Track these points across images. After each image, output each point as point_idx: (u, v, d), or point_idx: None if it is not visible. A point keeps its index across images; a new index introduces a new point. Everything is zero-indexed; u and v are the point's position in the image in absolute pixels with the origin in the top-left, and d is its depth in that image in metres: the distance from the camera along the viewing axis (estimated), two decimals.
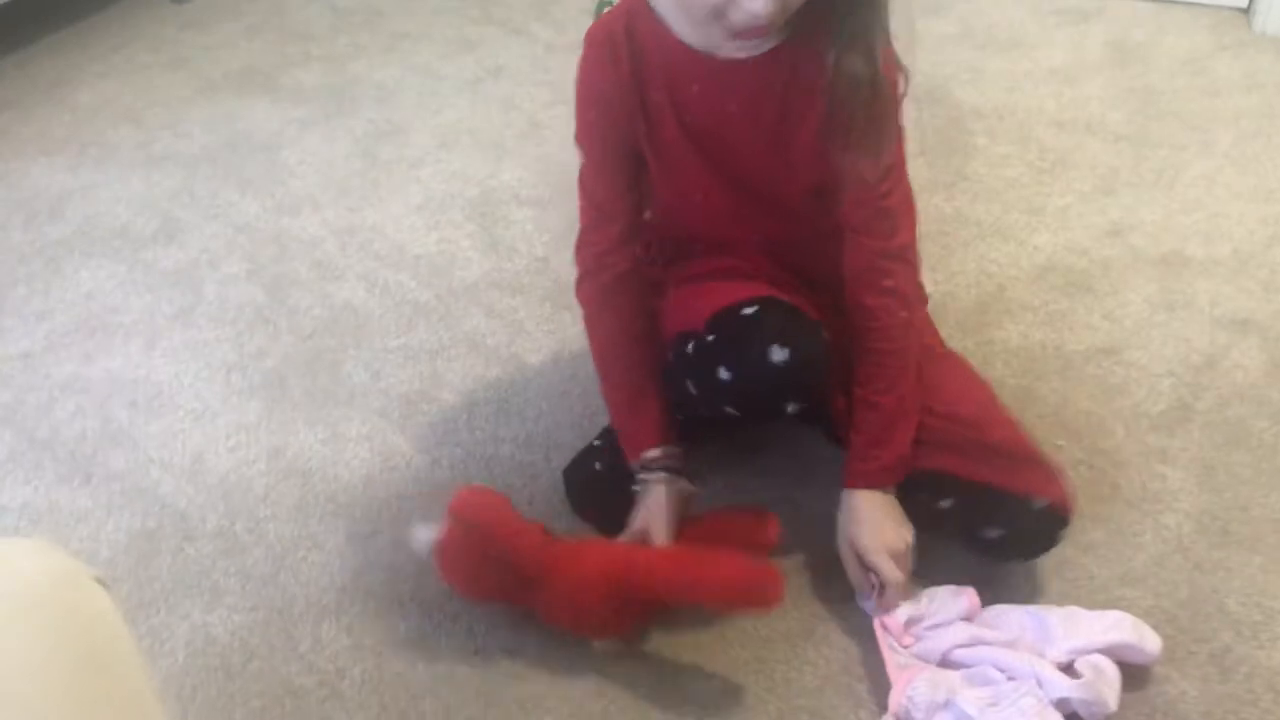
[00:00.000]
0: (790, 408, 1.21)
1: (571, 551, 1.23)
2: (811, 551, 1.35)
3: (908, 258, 1.26)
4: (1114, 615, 1.22)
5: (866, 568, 1.23)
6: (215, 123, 2.29)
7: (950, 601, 1.24)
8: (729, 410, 1.23)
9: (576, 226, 1.33)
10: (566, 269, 1.82)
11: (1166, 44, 2.43)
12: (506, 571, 1.21)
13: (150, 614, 1.32)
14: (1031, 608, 1.24)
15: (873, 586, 1.23)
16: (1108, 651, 1.18)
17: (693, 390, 1.24)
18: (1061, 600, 1.29)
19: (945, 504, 1.26)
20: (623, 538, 1.27)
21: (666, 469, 1.28)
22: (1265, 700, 1.19)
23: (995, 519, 1.24)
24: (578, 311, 1.71)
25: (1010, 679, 1.15)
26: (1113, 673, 1.17)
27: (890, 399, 1.25)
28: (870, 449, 1.25)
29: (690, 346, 1.24)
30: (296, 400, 1.61)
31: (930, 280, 1.63)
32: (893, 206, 1.22)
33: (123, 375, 1.66)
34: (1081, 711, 1.14)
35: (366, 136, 2.23)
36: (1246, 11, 2.52)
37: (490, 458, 1.51)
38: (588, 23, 2.61)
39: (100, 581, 0.74)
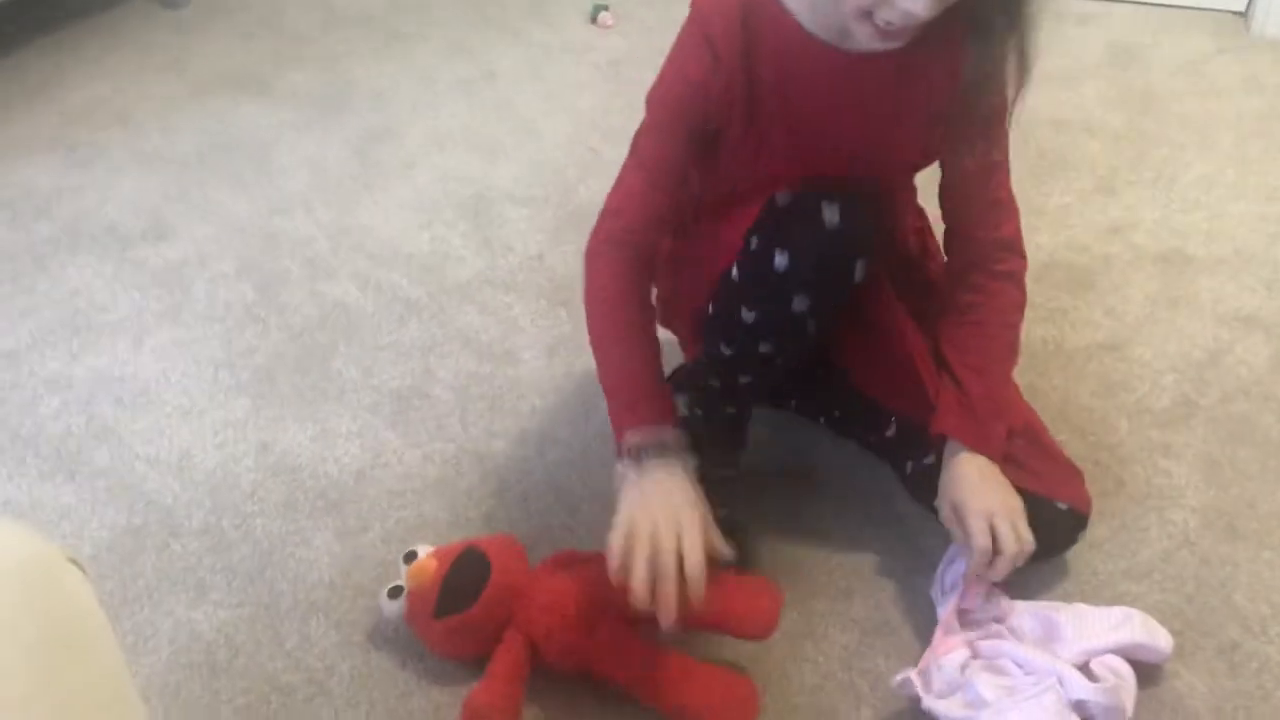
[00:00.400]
0: (859, 268, 1.14)
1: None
2: (812, 546, 1.32)
3: (1019, 248, 1.28)
4: (1120, 612, 1.19)
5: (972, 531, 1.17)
6: (207, 124, 2.27)
7: (987, 604, 1.21)
8: (797, 306, 1.15)
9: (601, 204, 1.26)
10: (561, 267, 1.81)
11: (1166, 47, 2.42)
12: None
13: (134, 610, 1.29)
14: (1036, 607, 1.21)
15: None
16: (1121, 651, 1.16)
17: (750, 314, 1.18)
18: (1068, 596, 1.26)
19: None
20: (614, 543, 1.10)
21: (675, 451, 1.15)
22: (1277, 696, 1.17)
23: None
24: (572, 308, 1.71)
25: (1028, 674, 1.12)
26: (1130, 677, 1.14)
27: (1004, 368, 1.28)
28: (990, 418, 1.22)
29: (736, 270, 1.18)
30: (286, 397, 1.58)
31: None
32: (1004, 199, 1.26)
33: (109, 372, 1.63)
34: (1099, 715, 1.10)
35: (360, 138, 2.21)
36: (1245, 15, 2.51)
37: (483, 454, 1.48)
38: (583, 25, 2.61)
39: (74, 562, 0.71)
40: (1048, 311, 1.68)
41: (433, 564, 1.19)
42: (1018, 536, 1.14)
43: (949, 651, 1.14)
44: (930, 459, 1.26)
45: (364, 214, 1.97)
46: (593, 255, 1.23)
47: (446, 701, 1.18)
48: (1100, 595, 1.27)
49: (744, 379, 1.27)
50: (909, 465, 1.33)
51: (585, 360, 1.53)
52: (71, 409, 1.57)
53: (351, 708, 1.18)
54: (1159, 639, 1.17)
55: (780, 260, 1.12)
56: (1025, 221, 1.28)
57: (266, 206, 2.00)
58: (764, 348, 1.21)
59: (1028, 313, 1.65)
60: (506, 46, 2.55)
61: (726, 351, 1.24)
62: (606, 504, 1.37)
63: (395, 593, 1.20)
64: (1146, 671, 1.18)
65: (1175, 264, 1.77)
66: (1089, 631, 1.17)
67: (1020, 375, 1.54)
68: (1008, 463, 1.23)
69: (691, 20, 1.16)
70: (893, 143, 1.21)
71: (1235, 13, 2.52)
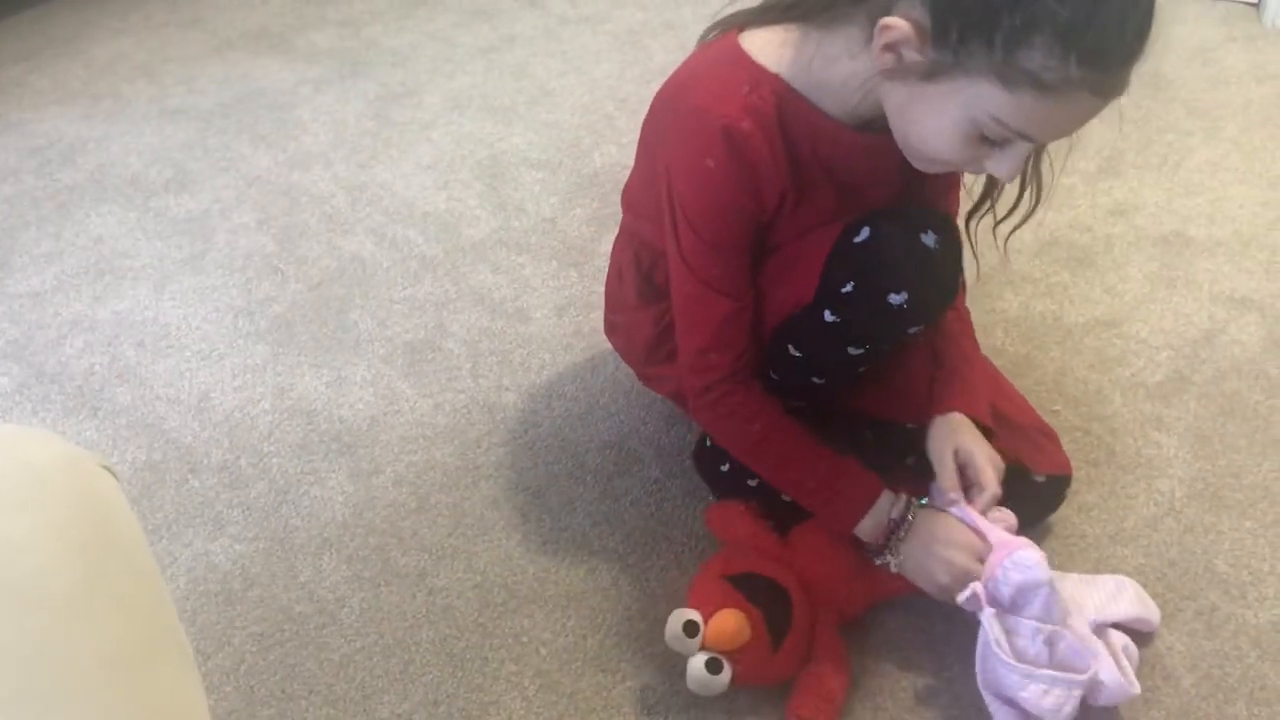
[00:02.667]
0: (962, 279, 1.19)
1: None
2: None
3: None
4: (1114, 582, 1.22)
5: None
6: (229, 80, 2.31)
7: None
8: (913, 331, 1.16)
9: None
10: (573, 230, 1.85)
11: (1176, 35, 2.44)
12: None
13: (153, 541, 1.34)
14: None
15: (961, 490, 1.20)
16: (1124, 625, 1.19)
17: (857, 350, 1.18)
18: (1056, 558, 1.30)
19: None
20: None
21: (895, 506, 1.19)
22: (1250, 657, 1.21)
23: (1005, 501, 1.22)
24: (584, 269, 1.76)
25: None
26: (1136, 658, 1.18)
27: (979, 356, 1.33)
28: (976, 389, 1.27)
29: (826, 310, 1.14)
30: (303, 345, 1.62)
31: None
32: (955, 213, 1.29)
33: (131, 316, 1.68)
34: (1106, 698, 1.12)
35: (379, 98, 2.24)
36: (1257, 6, 2.53)
37: (493, 405, 1.52)
38: None
39: (107, 468, 0.74)
40: (1048, 287, 1.71)
41: (733, 614, 1.13)
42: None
43: (1011, 552, 1.13)
44: None
45: (382, 171, 2.01)
46: (714, 406, 1.21)
47: (451, 634, 1.23)
48: (1087, 557, 1.31)
49: (795, 403, 1.27)
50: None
51: (594, 320, 1.58)
52: (95, 349, 1.61)
53: (361, 637, 1.23)
54: (1151, 611, 1.21)
55: (896, 299, 1.10)
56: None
57: (286, 161, 2.04)
58: (862, 368, 1.23)
59: (1028, 288, 1.71)
60: (526, 14, 2.58)
61: (819, 381, 1.24)
62: (611, 455, 1.44)
63: (715, 666, 1.11)
64: (1127, 632, 1.22)
65: (1175, 245, 1.81)
66: (1089, 603, 1.20)
67: (1019, 347, 1.59)
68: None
69: (724, 149, 1.07)
70: (917, 190, 1.23)
71: (1248, 3, 2.55)
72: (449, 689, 1.18)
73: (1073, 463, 1.41)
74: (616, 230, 1.37)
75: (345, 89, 2.27)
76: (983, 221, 1.22)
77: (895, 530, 1.18)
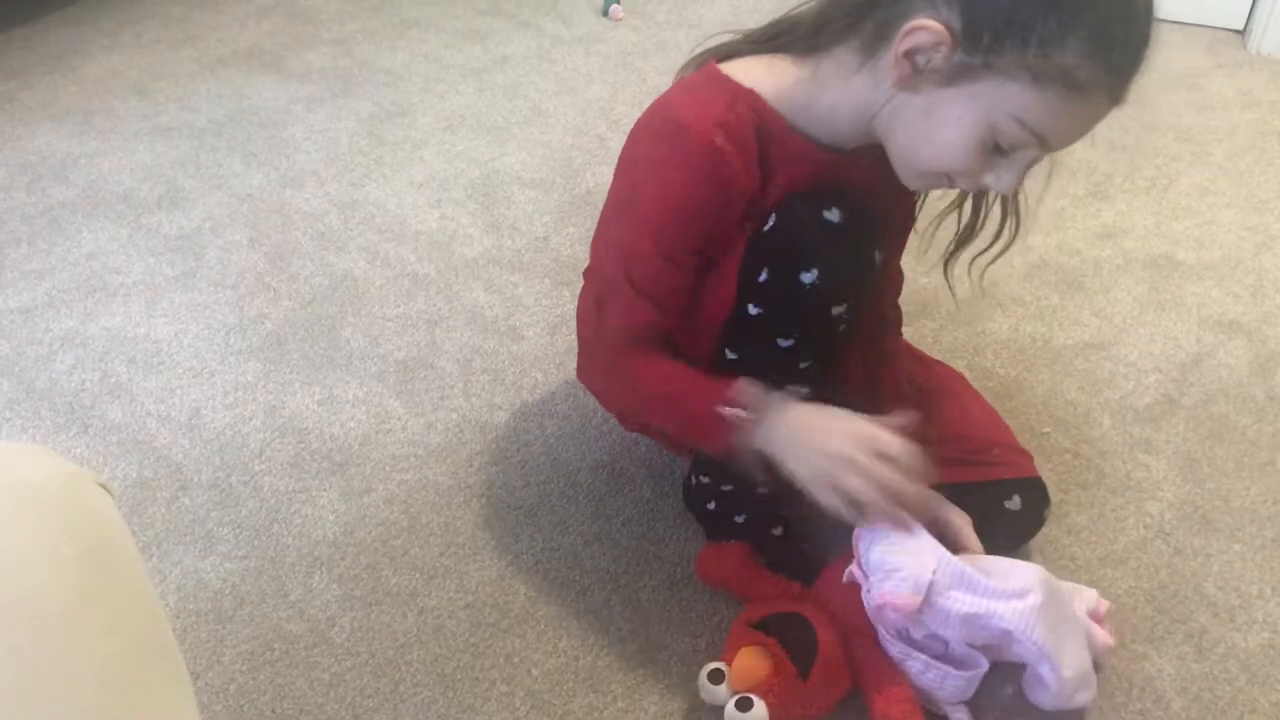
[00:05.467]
0: (876, 256, 1.14)
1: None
2: None
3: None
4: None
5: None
6: (222, 98, 2.31)
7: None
8: (836, 311, 1.12)
9: (584, 231, 1.28)
10: (565, 249, 1.86)
11: (1163, 61, 2.44)
12: None
13: (144, 559, 1.32)
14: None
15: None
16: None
17: (787, 341, 1.14)
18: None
19: None
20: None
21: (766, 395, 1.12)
22: (1240, 680, 1.21)
23: (982, 532, 1.20)
24: (577, 287, 1.73)
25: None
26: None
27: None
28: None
29: (749, 304, 1.13)
30: (294, 362, 1.62)
31: (925, 274, 1.66)
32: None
33: (122, 332, 1.67)
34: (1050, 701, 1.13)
35: (372, 117, 2.25)
36: (1242, 33, 2.56)
37: (485, 424, 1.52)
38: (595, 18, 2.63)
39: (103, 486, 0.74)
40: (1037, 309, 1.73)
41: (750, 649, 1.14)
42: None
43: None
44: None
45: (374, 190, 2.02)
46: (592, 367, 1.24)
47: (442, 654, 1.23)
48: (1077, 579, 1.31)
49: None
50: None
51: None
52: (85, 366, 1.61)
53: (352, 656, 1.23)
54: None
55: (808, 277, 1.09)
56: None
57: (279, 179, 2.04)
58: (802, 364, 1.18)
59: (1018, 310, 1.72)
60: (518, 36, 2.59)
61: (780, 343, 1.19)
62: (603, 474, 1.44)
63: (745, 704, 1.10)
64: (1117, 654, 1.23)
65: (1164, 269, 1.82)
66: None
67: (1008, 369, 1.60)
68: (957, 464, 1.26)
69: (697, 155, 1.07)
70: (889, 215, 1.22)
71: (1233, 30, 2.58)
72: (440, 709, 1.18)
73: (1062, 485, 1.42)
74: None
75: (338, 108, 2.28)
76: (970, 248, 1.23)
77: (747, 431, 1.10)
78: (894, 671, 1.14)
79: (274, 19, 2.65)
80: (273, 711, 1.18)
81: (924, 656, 1.12)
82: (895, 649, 1.14)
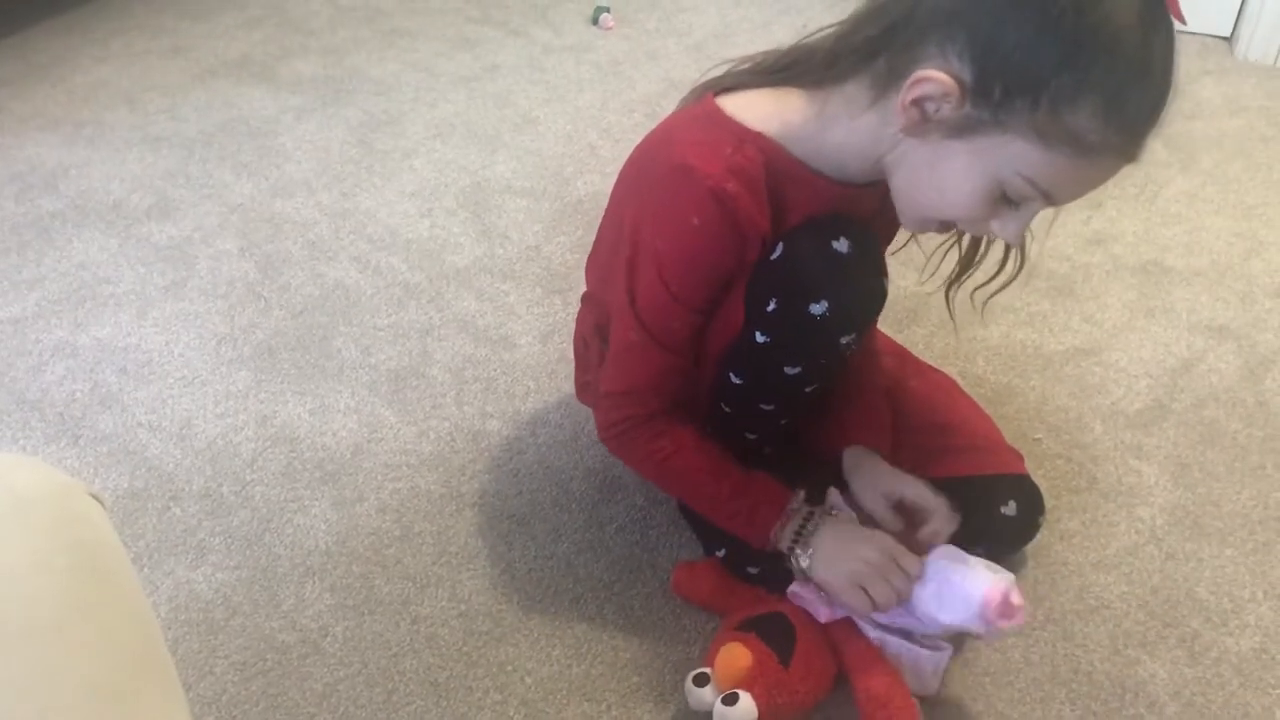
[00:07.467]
0: (885, 284, 1.14)
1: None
2: None
3: None
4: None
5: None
6: (212, 108, 2.31)
7: None
8: (844, 341, 1.12)
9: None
10: (557, 257, 1.86)
11: None
12: None
13: (135, 570, 1.32)
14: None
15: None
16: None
17: (794, 369, 1.15)
18: (1037, 585, 1.31)
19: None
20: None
21: (810, 514, 1.19)
22: (1232, 684, 1.22)
23: (973, 537, 1.21)
24: (568, 296, 1.76)
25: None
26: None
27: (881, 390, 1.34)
28: (883, 423, 1.30)
29: (756, 332, 1.14)
30: (286, 372, 1.62)
31: (915, 281, 1.67)
32: None
33: (113, 342, 1.67)
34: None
35: (362, 126, 2.25)
36: (1229, 39, 2.58)
37: (477, 432, 1.52)
38: (585, 26, 2.63)
39: (95, 497, 0.74)
40: (1028, 316, 1.73)
41: (729, 646, 1.15)
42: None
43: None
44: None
45: (365, 199, 2.01)
46: (624, 435, 1.21)
47: (435, 663, 1.22)
48: (1069, 584, 1.32)
49: (751, 436, 1.27)
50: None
51: None
52: (76, 376, 1.60)
53: (344, 666, 1.22)
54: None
55: (817, 309, 1.08)
56: None
57: (269, 188, 2.04)
58: (808, 389, 1.19)
59: (1009, 316, 1.73)
60: (508, 44, 2.59)
61: (767, 408, 1.22)
62: (595, 482, 1.44)
63: (731, 698, 1.11)
64: (1110, 658, 1.23)
65: (1153, 275, 1.83)
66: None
67: (999, 376, 1.61)
68: (942, 453, 1.29)
69: (711, 203, 1.05)
70: (889, 238, 1.24)
71: (1220, 37, 2.59)
72: (433, 718, 1.17)
73: (1054, 490, 1.43)
74: None
75: (328, 117, 2.28)
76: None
77: (806, 524, 1.17)
78: (874, 651, 1.17)
79: (264, 29, 2.65)
80: None
81: (896, 638, 1.16)
82: (873, 632, 1.17)
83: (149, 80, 2.41)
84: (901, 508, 1.21)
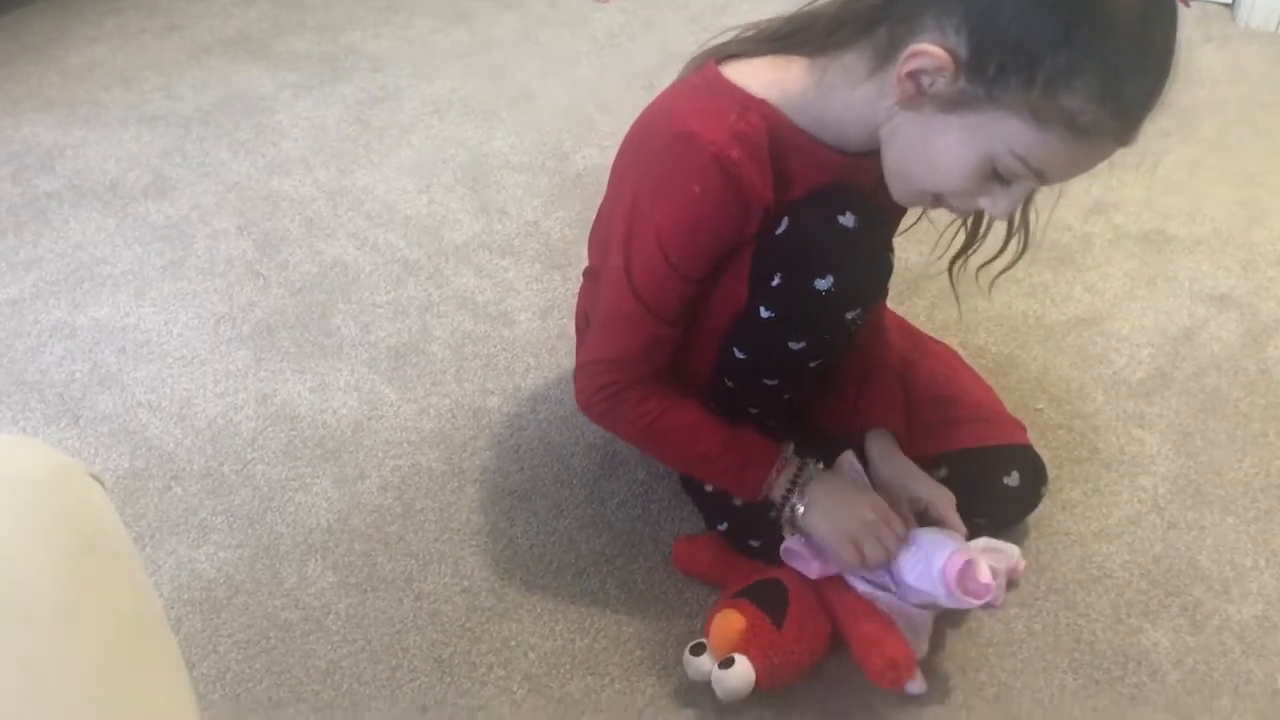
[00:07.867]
0: (891, 259, 1.13)
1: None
2: None
3: None
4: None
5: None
6: (208, 86, 2.30)
7: None
8: (848, 315, 1.11)
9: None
10: (556, 232, 1.85)
11: None
12: None
13: (137, 549, 1.32)
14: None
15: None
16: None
17: (798, 344, 1.14)
18: (1039, 554, 1.31)
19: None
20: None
21: (802, 466, 1.19)
22: (1235, 651, 1.22)
23: (976, 507, 1.23)
24: (567, 271, 1.75)
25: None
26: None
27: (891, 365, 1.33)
28: (899, 403, 1.29)
29: (761, 307, 1.13)
30: (285, 350, 1.62)
31: (917, 253, 1.66)
32: None
33: (111, 323, 1.67)
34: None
35: (359, 102, 2.24)
36: (1231, 6, 2.56)
37: (478, 409, 1.52)
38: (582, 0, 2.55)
39: (95, 477, 0.74)
40: (1030, 286, 1.72)
41: (727, 614, 1.16)
42: None
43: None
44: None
45: (362, 176, 2.01)
46: (609, 401, 1.19)
47: (438, 639, 1.23)
48: (1071, 554, 1.32)
49: (754, 410, 1.26)
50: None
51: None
52: (75, 357, 1.60)
53: (347, 644, 1.23)
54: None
55: (823, 284, 1.07)
56: None
57: (266, 166, 2.03)
58: (812, 364, 1.19)
59: (1011, 287, 1.72)
60: (504, 17, 2.57)
61: (771, 383, 1.22)
62: (596, 457, 1.44)
63: (728, 663, 1.12)
64: (1112, 627, 1.24)
65: (1155, 244, 1.82)
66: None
67: (1001, 346, 1.60)
68: (946, 426, 1.29)
69: (715, 172, 1.04)
70: (895, 212, 1.22)
71: (1222, 3, 2.57)
72: (437, 694, 1.18)
73: (1056, 460, 1.42)
74: None
75: (324, 94, 2.26)
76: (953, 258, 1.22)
77: (800, 473, 1.18)
78: (865, 602, 1.17)
79: (259, 6, 2.63)
80: (269, 699, 1.18)
81: (885, 594, 1.17)
82: (862, 586, 1.18)
83: (144, 59, 2.40)
84: (916, 504, 1.21)
